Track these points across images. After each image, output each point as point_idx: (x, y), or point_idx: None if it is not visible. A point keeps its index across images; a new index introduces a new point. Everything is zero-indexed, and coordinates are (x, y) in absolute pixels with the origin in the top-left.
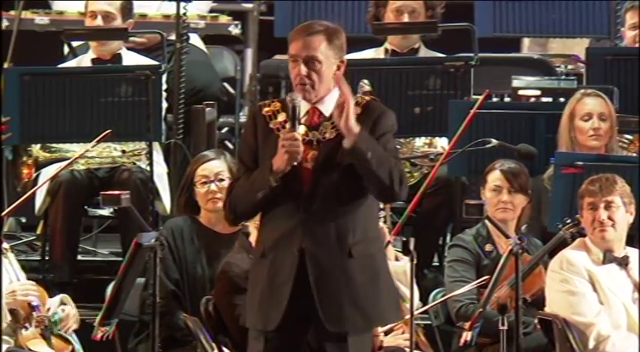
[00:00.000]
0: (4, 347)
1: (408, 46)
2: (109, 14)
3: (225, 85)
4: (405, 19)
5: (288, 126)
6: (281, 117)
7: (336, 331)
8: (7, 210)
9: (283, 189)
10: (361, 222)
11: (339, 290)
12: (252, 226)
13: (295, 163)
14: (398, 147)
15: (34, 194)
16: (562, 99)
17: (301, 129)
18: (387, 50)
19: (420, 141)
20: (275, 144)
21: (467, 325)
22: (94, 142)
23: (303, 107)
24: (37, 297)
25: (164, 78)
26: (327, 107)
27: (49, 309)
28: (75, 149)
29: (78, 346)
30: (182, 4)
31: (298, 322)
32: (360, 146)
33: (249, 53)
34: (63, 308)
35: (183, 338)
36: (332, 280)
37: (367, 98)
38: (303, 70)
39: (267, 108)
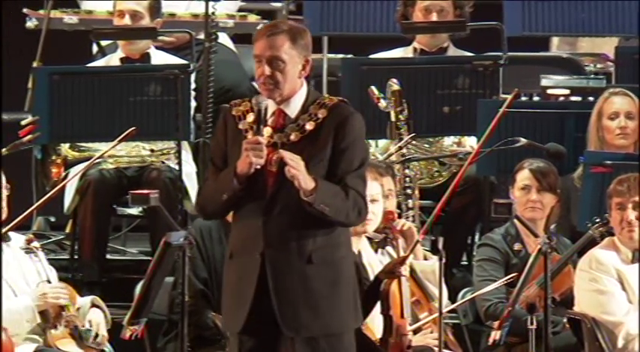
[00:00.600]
0: (34, 346)
1: (436, 45)
2: (137, 13)
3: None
4: (434, 18)
5: (253, 129)
6: (250, 117)
7: (292, 337)
8: (35, 205)
9: (248, 191)
10: (324, 227)
11: (297, 296)
12: None
13: (258, 167)
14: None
15: (61, 191)
16: (591, 98)
17: (266, 132)
18: (415, 49)
19: (448, 141)
20: (241, 146)
21: (496, 324)
22: (119, 139)
23: (271, 108)
24: (67, 299)
25: (193, 77)
26: (293, 109)
27: (78, 309)
28: (103, 148)
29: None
30: (211, 3)
31: (265, 324)
32: (316, 204)
33: None
34: (91, 318)
35: (211, 337)
36: (290, 286)
37: (335, 100)
38: (267, 69)
39: (237, 108)
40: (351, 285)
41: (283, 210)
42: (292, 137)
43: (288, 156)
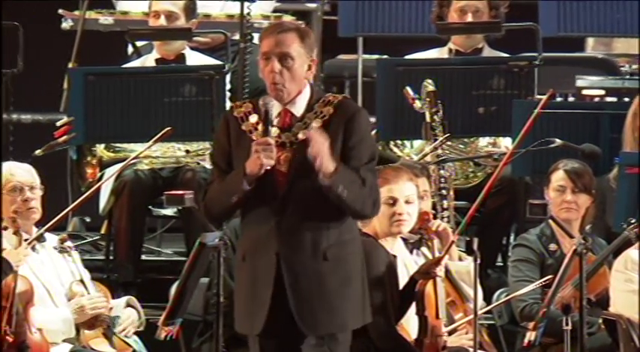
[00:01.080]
0: (69, 346)
1: (471, 46)
2: (172, 14)
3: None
4: (469, 18)
5: (260, 129)
6: (252, 118)
7: (312, 335)
8: (70, 207)
9: (258, 192)
10: (336, 224)
11: (313, 294)
12: None
13: (268, 167)
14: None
15: (96, 193)
16: (626, 99)
17: (273, 132)
18: (450, 50)
19: (483, 141)
20: (248, 146)
21: (531, 325)
22: (155, 139)
23: (275, 109)
24: (105, 308)
25: (228, 78)
26: (298, 108)
27: (111, 309)
28: (138, 149)
29: (138, 347)
30: (246, 3)
31: (285, 325)
32: (335, 186)
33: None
34: (124, 312)
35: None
36: (306, 284)
37: (339, 97)
38: (277, 66)
39: (239, 109)
40: (360, 281)
41: (296, 209)
42: (300, 136)
43: (315, 135)
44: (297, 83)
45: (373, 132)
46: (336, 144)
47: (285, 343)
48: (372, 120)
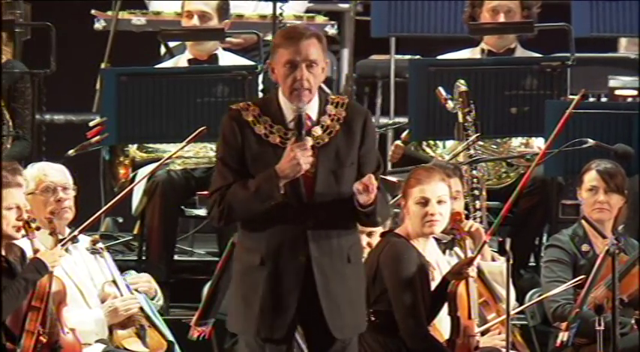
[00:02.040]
0: (102, 347)
1: (504, 46)
2: (205, 14)
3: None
4: (501, 19)
5: (293, 135)
6: (264, 120)
7: (342, 338)
8: (103, 209)
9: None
10: (352, 226)
11: (341, 297)
12: None
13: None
14: None
15: (129, 194)
16: None
17: (317, 130)
18: (483, 50)
19: (516, 141)
20: (267, 150)
21: (563, 325)
22: (189, 139)
23: (291, 113)
24: (138, 307)
25: (260, 78)
26: (313, 111)
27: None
28: (171, 149)
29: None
30: (279, 4)
31: (303, 330)
32: (374, 209)
33: (346, 53)
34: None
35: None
36: (334, 287)
37: (344, 98)
38: (306, 73)
39: (247, 112)
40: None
41: (323, 212)
42: (321, 139)
43: (374, 181)
44: (317, 87)
45: (405, 132)
46: (356, 149)
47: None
48: (404, 120)
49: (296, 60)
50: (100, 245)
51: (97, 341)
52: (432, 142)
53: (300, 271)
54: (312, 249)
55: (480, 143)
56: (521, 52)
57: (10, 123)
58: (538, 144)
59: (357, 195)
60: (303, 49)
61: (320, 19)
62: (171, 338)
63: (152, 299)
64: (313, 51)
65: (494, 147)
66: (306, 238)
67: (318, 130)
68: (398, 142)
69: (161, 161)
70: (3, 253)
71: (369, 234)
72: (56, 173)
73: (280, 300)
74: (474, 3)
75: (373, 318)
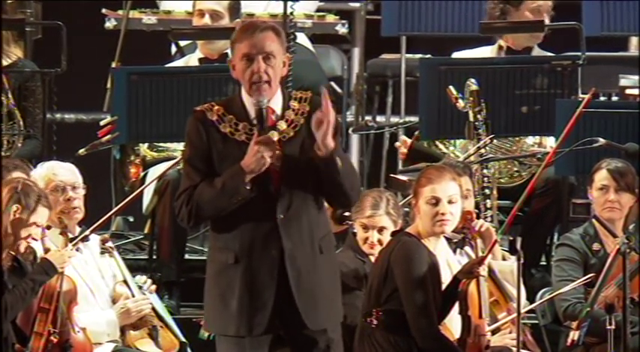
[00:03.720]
0: (112, 346)
1: (522, 45)
2: (217, 13)
3: (332, 84)
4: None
5: (240, 128)
6: (228, 119)
7: (316, 329)
8: (115, 209)
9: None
10: (322, 217)
11: (315, 288)
12: (358, 224)
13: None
14: None
15: (141, 193)
16: None
17: (281, 125)
18: (501, 47)
19: (530, 141)
20: (233, 148)
21: (574, 324)
22: None
23: (254, 109)
24: (149, 308)
25: None
26: (277, 106)
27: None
28: (182, 148)
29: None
30: (289, 3)
31: (280, 323)
32: (335, 159)
33: (356, 52)
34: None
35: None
36: (307, 279)
37: (308, 93)
38: (263, 66)
39: (211, 112)
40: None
41: (292, 205)
42: (286, 133)
43: (328, 103)
44: (276, 81)
45: (416, 133)
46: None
47: (278, 342)
48: (414, 119)
49: (252, 53)
50: (109, 244)
51: (108, 342)
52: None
53: (274, 265)
54: (284, 242)
55: (494, 142)
56: (537, 52)
57: (21, 122)
58: (551, 143)
59: (317, 150)
60: (259, 41)
61: (331, 17)
62: (183, 338)
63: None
64: (269, 43)
65: (508, 146)
66: (277, 232)
67: (283, 124)
68: (405, 138)
69: (172, 163)
70: (9, 253)
71: (380, 230)
72: (65, 172)
73: (258, 296)
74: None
75: (384, 317)
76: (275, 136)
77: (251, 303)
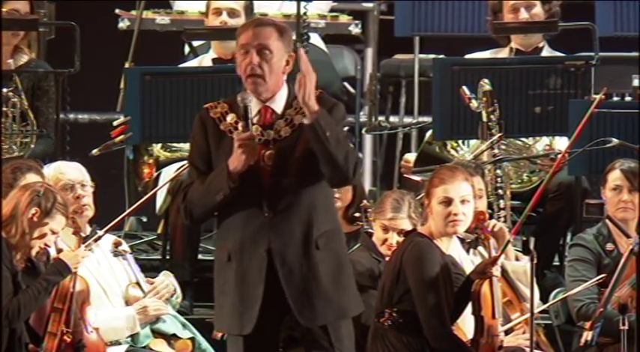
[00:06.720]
0: (125, 346)
1: (531, 45)
2: (234, 11)
3: (346, 84)
4: (523, 14)
5: (240, 126)
6: (230, 117)
7: (310, 326)
8: (127, 211)
9: (243, 191)
10: (321, 215)
11: (309, 284)
12: (378, 225)
13: (251, 163)
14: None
15: (154, 194)
16: None
17: (254, 130)
18: (511, 49)
19: (541, 145)
20: (229, 146)
21: (587, 325)
22: None
23: (255, 107)
24: (166, 310)
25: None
26: (279, 105)
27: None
28: None
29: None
30: (303, 3)
31: (272, 322)
32: (320, 123)
33: (370, 52)
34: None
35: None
36: (300, 276)
37: (316, 92)
38: (255, 58)
39: (214, 110)
40: (351, 271)
41: (284, 204)
42: (282, 133)
43: (308, 67)
44: (275, 77)
45: (428, 132)
46: None
47: (270, 341)
48: (428, 119)
49: (247, 44)
50: (122, 247)
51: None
52: (454, 144)
53: (262, 264)
54: (272, 241)
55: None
56: (548, 52)
57: (34, 122)
58: (562, 147)
59: (304, 120)
60: (255, 33)
61: (344, 18)
62: (190, 335)
63: (171, 297)
64: (266, 37)
65: (520, 149)
66: (267, 231)
67: (281, 123)
68: (409, 158)
69: (185, 166)
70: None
71: (400, 233)
72: (73, 170)
73: (248, 295)
74: (494, 8)
75: (397, 317)
76: (270, 135)
77: (241, 303)
